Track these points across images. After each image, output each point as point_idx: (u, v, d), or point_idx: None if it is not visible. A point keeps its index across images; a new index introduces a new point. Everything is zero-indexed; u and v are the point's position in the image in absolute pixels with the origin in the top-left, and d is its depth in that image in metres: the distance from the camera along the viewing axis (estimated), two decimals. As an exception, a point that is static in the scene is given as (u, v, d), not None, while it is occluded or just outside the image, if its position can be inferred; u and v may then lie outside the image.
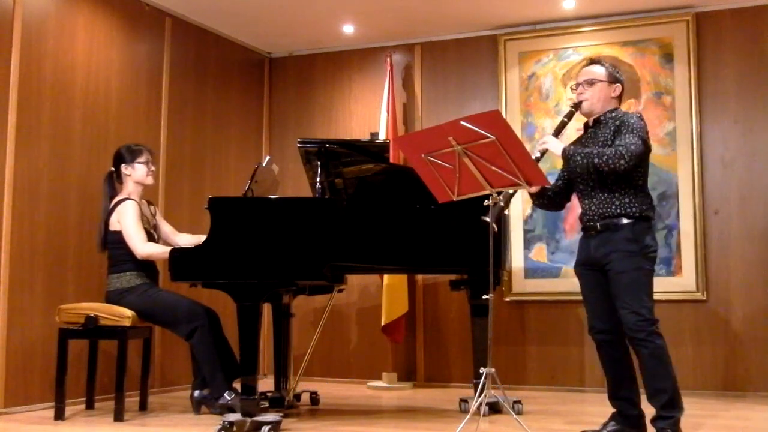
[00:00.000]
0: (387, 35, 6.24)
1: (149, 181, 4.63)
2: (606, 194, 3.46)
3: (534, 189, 3.65)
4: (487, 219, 3.56)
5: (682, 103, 5.56)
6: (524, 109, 5.94)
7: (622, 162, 3.31)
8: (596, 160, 3.36)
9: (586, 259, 3.56)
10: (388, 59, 6.10)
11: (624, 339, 3.49)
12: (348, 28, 6.13)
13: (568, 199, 3.80)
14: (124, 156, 4.58)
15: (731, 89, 5.50)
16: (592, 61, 3.71)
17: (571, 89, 3.72)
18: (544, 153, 3.58)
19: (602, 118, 3.57)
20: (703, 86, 5.54)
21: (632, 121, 3.44)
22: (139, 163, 4.56)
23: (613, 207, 3.44)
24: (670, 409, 3.30)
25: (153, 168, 4.65)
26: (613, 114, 3.55)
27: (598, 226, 3.47)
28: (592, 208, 3.51)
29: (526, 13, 5.80)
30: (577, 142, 3.68)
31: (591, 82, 3.57)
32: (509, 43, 6.01)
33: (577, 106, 3.62)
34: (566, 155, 3.48)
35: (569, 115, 3.64)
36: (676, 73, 5.59)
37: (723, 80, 5.52)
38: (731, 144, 5.48)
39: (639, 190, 3.46)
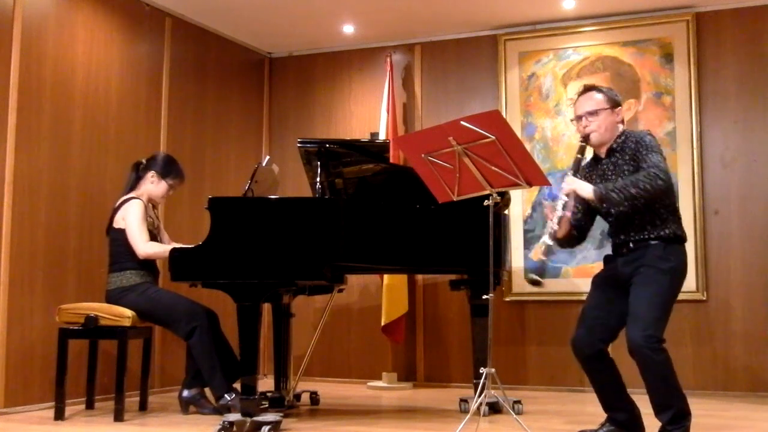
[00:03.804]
0: (387, 35, 6.24)
1: (161, 201, 4.70)
2: (637, 219, 3.32)
3: (564, 231, 3.43)
4: (537, 278, 3.42)
5: (682, 103, 5.56)
6: (524, 109, 5.94)
7: (660, 182, 3.19)
8: (633, 190, 3.19)
9: (610, 275, 3.44)
10: (388, 59, 6.10)
11: (604, 354, 3.40)
12: (348, 28, 6.13)
13: (588, 232, 3.62)
14: (159, 164, 4.61)
15: (731, 89, 5.50)
16: (587, 89, 3.52)
17: (572, 122, 3.55)
18: (569, 195, 3.39)
19: (615, 145, 3.43)
20: (703, 86, 5.54)
21: (647, 139, 3.32)
22: (167, 181, 4.60)
23: (645, 232, 3.32)
24: (679, 420, 3.24)
25: (171, 193, 4.69)
26: (623, 137, 3.42)
27: (631, 245, 3.35)
28: (622, 234, 3.38)
29: (526, 13, 5.80)
30: (595, 175, 3.49)
31: (594, 113, 3.42)
32: (509, 43, 6.01)
33: (586, 139, 3.45)
34: (600, 196, 3.25)
35: (581, 150, 3.45)
36: (676, 73, 5.59)
37: (723, 80, 5.52)
38: (731, 144, 5.48)
39: (669, 211, 3.35)
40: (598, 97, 3.46)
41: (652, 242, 3.31)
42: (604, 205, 3.31)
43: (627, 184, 3.21)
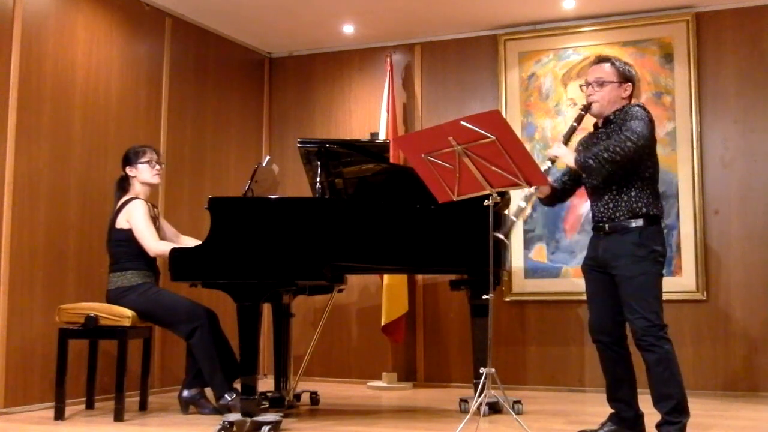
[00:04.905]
0: (387, 35, 6.24)
1: (155, 180, 4.61)
2: (614, 193, 3.41)
3: (543, 193, 3.64)
4: (500, 235, 3.51)
5: (682, 103, 5.56)
6: (524, 109, 5.94)
7: (629, 143, 3.24)
8: (606, 155, 3.27)
9: (593, 260, 3.53)
10: (388, 59, 6.10)
11: (624, 342, 3.48)
12: (348, 28, 6.13)
13: (573, 194, 3.79)
14: (129, 158, 4.58)
15: (731, 89, 5.49)
16: (602, 59, 3.58)
17: (581, 88, 3.61)
18: (554, 161, 3.52)
19: (612, 117, 3.49)
20: (703, 86, 5.54)
21: (634, 110, 3.40)
22: (141, 163, 4.56)
23: (622, 204, 3.38)
24: (676, 414, 3.26)
25: (158, 166, 4.62)
26: (622, 110, 3.48)
27: (607, 228, 3.44)
28: (601, 208, 3.47)
29: (526, 13, 5.80)
30: (586, 142, 3.60)
31: (601, 83, 3.49)
32: (509, 43, 6.01)
33: (586, 108, 3.53)
34: (579, 164, 3.38)
35: (579, 119, 3.53)
36: (676, 73, 5.59)
37: (723, 80, 5.51)
38: (731, 144, 5.48)
39: (646, 184, 3.39)
40: (608, 69, 3.51)
41: (630, 225, 3.37)
42: (586, 172, 3.42)
43: (601, 149, 3.30)
